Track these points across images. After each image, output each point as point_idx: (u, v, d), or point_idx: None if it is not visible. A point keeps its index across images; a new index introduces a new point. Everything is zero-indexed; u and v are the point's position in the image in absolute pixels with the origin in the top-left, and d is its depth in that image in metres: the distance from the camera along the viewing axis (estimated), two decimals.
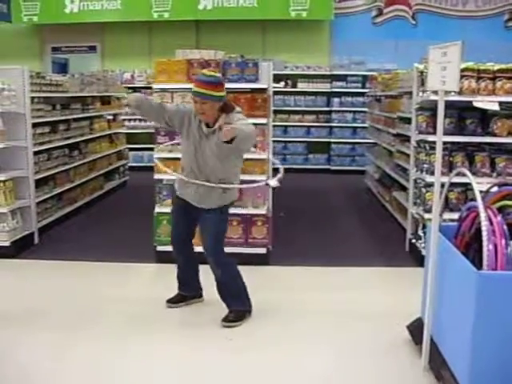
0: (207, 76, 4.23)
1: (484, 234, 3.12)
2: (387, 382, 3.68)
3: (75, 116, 8.35)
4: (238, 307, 4.58)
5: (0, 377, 3.75)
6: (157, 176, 5.94)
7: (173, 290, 4.85)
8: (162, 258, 5.91)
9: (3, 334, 4.36)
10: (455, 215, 4.51)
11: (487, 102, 5.47)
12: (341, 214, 8.68)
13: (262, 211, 5.82)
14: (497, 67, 5.66)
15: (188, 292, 4.91)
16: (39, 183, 7.03)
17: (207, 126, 4.32)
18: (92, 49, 13.74)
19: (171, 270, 4.91)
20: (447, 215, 4.97)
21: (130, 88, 12.64)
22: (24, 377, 3.75)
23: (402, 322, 4.25)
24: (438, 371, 3.59)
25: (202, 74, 4.27)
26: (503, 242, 3.15)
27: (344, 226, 7.96)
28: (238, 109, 4.43)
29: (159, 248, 6.03)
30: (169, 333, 4.42)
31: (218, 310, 4.55)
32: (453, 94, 5.37)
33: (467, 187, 5.75)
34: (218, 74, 4.38)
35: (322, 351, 4.11)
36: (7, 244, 6.21)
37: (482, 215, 3.16)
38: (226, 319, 4.50)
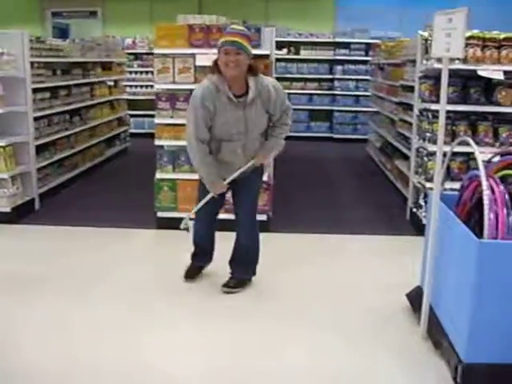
0: (238, 29, 4.02)
1: (485, 202, 3.10)
2: (386, 349, 3.70)
3: (76, 82, 8.29)
4: (242, 275, 4.58)
5: None
6: (158, 142, 5.91)
7: (174, 254, 4.79)
8: (163, 223, 5.93)
9: (3, 297, 4.39)
10: (456, 185, 4.48)
11: (492, 71, 5.42)
12: (342, 183, 8.67)
13: (264, 178, 5.78)
14: (503, 36, 5.59)
15: (205, 262, 4.81)
16: (40, 149, 7.00)
17: (236, 96, 4.03)
18: (93, 14, 13.59)
19: (172, 235, 4.91)
20: (448, 184, 4.95)
21: (131, 54, 12.56)
22: (23, 340, 3.77)
23: (402, 290, 4.27)
24: (436, 339, 3.61)
25: (232, 28, 4.03)
26: (505, 211, 3.13)
27: (345, 194, 7.96)
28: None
29: (160, 214, 6.03)
30: (170, 296, 4.42)
31: (219, 277, 4.58)
32: (457, 62, 5.32)
33: (469, 157, 5.72)
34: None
35: (321, 319, 4.13)
36: (8, 210, 6.21)
37: (484, 184, 3.15)
38: (226, 285, 4.50)
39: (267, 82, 4.13)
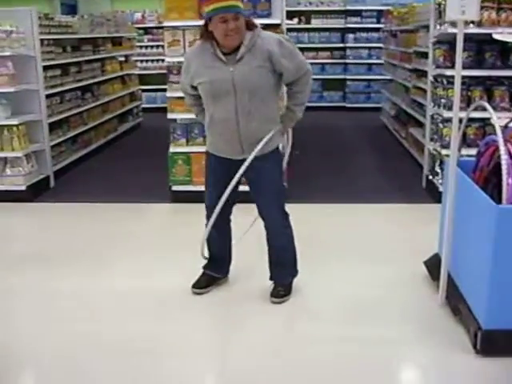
0: None
1: (503, 167, 3.06)
2: (404, 317, 3.69)
3: (86, 58, 8.26)
4: (285, 279, 3.99)
5: (18, 314, 3.83)
6: (170, 115, 5.90)
7: (188, 225, 4.67)
8: (178, 197, 5.94)
9: (24, 272, 4.42)
10: (473, 151, 4.45)
11: (508, 34, 5.31)
12: (356, 152, 8.62)
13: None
14: None
15: (220, 272, 4.13)
16: (53, 127, 7.00)
17: (225, 54, 3.48)
18: None
19: (187, 209, 4.90)
20: (465, 151, 4.90)
21: (140, 28, 12.48)
22: (42, 312, 3.82)
23: (419, 258, 4.25)
24: (455, 306, 3.59)
25: None
26: None
27: (360, 163, 7.91)
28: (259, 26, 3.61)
29: (174, 188, 6.03)
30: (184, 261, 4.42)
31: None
32: (471, 26, 5.22)
33: (485, 122, 5.64)
34: None
35: (338, 286, 4.14)
36: (23, 188, 6.23)
37: (502, 149, 3.10)
38: (277, 295, 3.90)
39: (269, 37, 3.53)
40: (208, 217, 3.90)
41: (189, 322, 3.72)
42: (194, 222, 4.28)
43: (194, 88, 3.68)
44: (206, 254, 4.01)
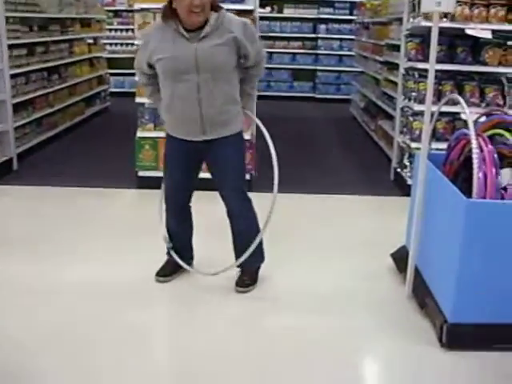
0: None
1: (475, 162, 3.05)
2: (370, 310, 3.67)
3: (54, 38, 8.07)
4: (254, 264, 3.95)
5: None
6: (139, 99, 5.79)
7: (153, 212, 4.55)
8: (144, 183, 5.85)
9: None
10: (442, 145, 4.46)
11: (480, 30, 5.32)
12: (325, 143, 8.61)
13: (247, 137, 5.69)
14: None
15: (184, 260, 3.97)
16: (17, 108, 6.84)
17: (188, 30, 3.38)
18: None
19: (152, 195, 4.78)
20: (434, 144, 4.89)
21: (110, 11, 12.27)
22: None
23: (386, 250, 4.24)
24: (421, 299, 3.59)
25: None
26: (493, 170, 3.08)
27: (328, 154, 7.89)
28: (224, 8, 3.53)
29: (141, 173, 5.94)
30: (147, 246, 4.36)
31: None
32: (445, 20, 5.23)
33: (455, 117, 5.68)
34: None
35: (304, 276, 4.11)
36: None
37: (474, 143, 3.09)
38: (242, 284, 3.87)
39: (234, 19, 3.49)
40: (167, 203, 3.89)
41: (150, 310, 3.65)
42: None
43: (151, 66, 3.58)
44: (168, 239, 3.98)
